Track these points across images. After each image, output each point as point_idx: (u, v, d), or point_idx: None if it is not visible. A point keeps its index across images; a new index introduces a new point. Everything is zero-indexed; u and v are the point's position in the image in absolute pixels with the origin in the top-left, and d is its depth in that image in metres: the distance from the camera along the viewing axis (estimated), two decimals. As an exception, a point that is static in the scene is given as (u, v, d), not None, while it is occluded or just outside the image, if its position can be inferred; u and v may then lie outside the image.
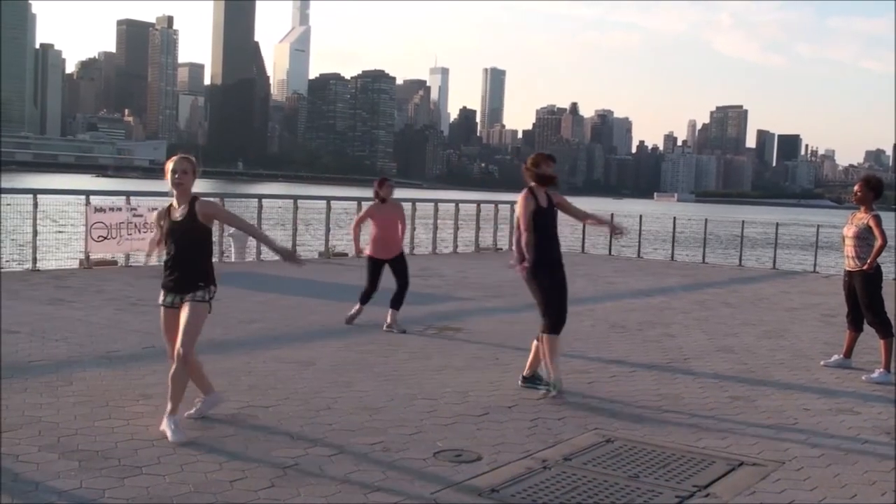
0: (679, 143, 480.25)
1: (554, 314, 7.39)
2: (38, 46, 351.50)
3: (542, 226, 7.46)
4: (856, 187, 9.03)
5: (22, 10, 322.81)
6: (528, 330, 10.85)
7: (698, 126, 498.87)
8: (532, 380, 7.62)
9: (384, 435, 6.03)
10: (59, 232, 16.95)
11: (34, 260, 15.14)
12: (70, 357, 8.19)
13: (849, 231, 8.94)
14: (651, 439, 6.20)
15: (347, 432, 6.05)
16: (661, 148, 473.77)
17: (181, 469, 5.17)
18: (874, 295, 8.79)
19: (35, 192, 15.62)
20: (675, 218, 24.40)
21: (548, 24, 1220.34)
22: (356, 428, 6.17)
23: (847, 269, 9.02)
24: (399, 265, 10.66)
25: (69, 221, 17.18)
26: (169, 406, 5.84)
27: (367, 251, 10.66)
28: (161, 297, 6.09)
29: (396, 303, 10.44)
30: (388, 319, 10.37)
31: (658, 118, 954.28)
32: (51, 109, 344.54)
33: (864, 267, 8.71)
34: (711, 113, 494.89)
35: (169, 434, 5.68)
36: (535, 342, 7.61)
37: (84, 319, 10.04)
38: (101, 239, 15.31)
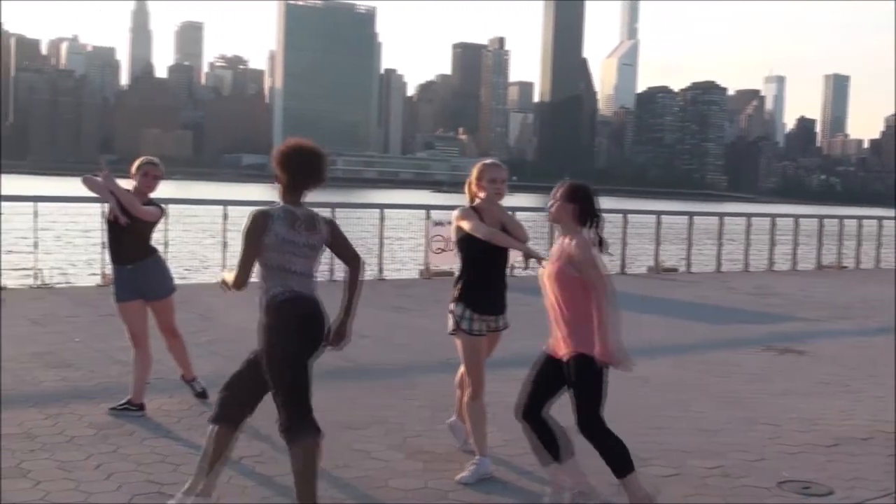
0: None
1: None
2: (382, 72, 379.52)
3: None
4: None
5: (370, 40, 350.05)
6: (881, 355, 9.94)
7: None
8: None
9: (723, 459, 5.74)
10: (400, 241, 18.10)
11: (380, 269, 16.24)
12: (412, 362, 8.64)
13: None
14: None
15: (684, 453, 5.83)
16: None
17: (519, 477, 5.24)
18: None
19: (382, 206, 16.87)
20: None
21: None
22: (693, 449, 5.93)
23: None
24: None
25: (409, 234, 18.26)
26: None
27: None
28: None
29: None
30: None
31: None
32: (392, 130, 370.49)
33: None
34: None
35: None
36: None
37: (424, 327, 10.56)
38: (439, 251, 16.09)
